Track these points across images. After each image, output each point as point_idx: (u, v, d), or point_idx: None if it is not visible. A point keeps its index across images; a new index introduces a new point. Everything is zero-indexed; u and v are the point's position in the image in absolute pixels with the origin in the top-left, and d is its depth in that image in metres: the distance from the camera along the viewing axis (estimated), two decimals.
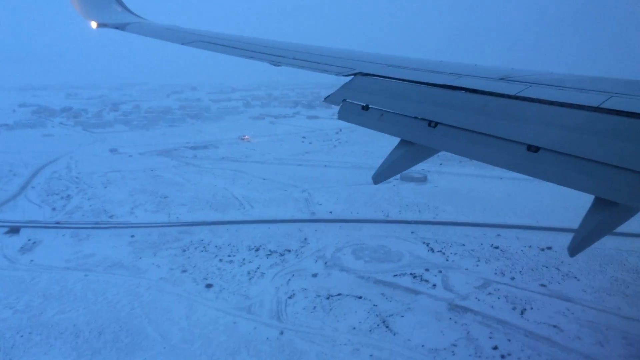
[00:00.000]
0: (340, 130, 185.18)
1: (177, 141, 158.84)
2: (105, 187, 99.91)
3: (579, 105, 7.99)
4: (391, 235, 72.77)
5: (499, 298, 54.64)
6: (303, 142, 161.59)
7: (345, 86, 12.59)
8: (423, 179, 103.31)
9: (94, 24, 22.43)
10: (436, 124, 9.54)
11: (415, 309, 53.08)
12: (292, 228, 75.61)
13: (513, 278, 59.00)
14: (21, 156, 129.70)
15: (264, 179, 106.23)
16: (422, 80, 11.11)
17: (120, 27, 22.08)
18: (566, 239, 67.75)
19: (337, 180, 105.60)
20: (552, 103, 8.36)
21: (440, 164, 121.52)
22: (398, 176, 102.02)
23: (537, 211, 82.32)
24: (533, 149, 7.80)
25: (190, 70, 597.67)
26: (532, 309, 52.35)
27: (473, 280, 58.78)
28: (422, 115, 10.07)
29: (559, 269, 61.12)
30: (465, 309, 52.51)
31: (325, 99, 12.85)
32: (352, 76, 12.83)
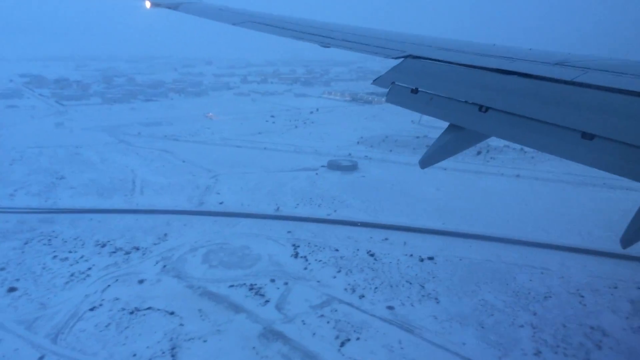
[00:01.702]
0: (317, 109, 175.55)
1: (137, 116, 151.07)
2: (10, 165, 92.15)
3: (638, 92, 7.45)
4: (265, 233, 62.85)
5: (328, 322, 44.54)
6: (267, 121, 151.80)
7: (394, 69, 11.74)
8: (352, 168, 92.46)
9: (147, 4, 22.20)
10: (487, 108, 8.94)
11: (224, 332, 43.47)
12: (161, 220, 66.35)
13: (362, 296, 48.65)
14: None
15: (184, 161, 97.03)
16: (473, 64, 10.36)
17: (173, 7, 21.78)
18: (461, 246, 56.78)
19: (263, 165, 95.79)
20: (609, 89, 7.79)
21: (390, 151, 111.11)
22: (325, 163, 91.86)
23: (452, 212, 71.45)
24: (588, 136, 7.33)
25: (224, 45, 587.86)
26: (358, 339, 42.16)
27: (316, 296, 48.72)
28: (472, 99, 9.41)
29: (423, 287, 50.45)
30: (280, 336, 42.66)
31: (374, 81, 12.34)
32: (402, 59, 12.01)
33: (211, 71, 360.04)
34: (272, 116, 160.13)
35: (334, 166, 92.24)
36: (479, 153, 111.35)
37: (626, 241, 7.83)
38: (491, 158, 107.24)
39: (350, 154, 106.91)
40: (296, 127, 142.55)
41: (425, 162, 10.27)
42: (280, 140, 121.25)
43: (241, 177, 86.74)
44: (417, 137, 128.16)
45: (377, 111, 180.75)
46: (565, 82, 8.40)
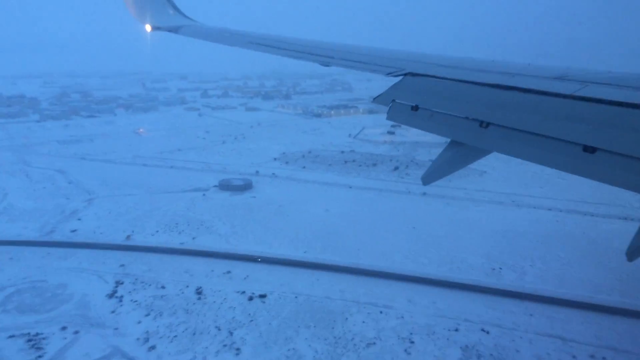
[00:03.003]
0: (259, 124, 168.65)
1: (62, 134, 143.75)
2: None
3: (638, 104, 7.43)
4: (94, 268, 55.06)
5: None
6: (198, 137, 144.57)
7: (394, 86, 11.67)
8: (244, 188, 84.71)
9: (148, 27, 22.03)
10: (488, 124, 8.85)
11: None
12: None
13: (152, 348, 40.93)
14: None
15: (70, 183, 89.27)
16: (473, 80, 10.28)
17: (173, 30, 21.69)
18: (307, 279, 48.90)
19: (153, 185, 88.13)
20: (610, 102, 7.75)
21: (304, 167, 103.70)
22: (217, 183, 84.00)
23: (326, 238, 64.53)
24: (589, 149, 7.26)
25: (211, 60, 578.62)
26: None
27: (99, 349, 40.89)
28: (473, 115, 9.30)
29: (231, 334, 42.98)
30: None
31: (374, 99, 11.77)
32: (402, 76, 11.85)
33: (179, 86, 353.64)
34: (207, 131, 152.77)
35: (224, 186, 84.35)
36: (396, 168, 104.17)
37: (631, 254, 7.08)
38: (406, 174, 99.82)
39: (257, 172, 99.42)
40: (224, 142, 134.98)
41: (428, 179, 9.85)
42: (196, 158, 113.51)
43: (118, 200, 78.70)
44: (342, 152, 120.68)
45: (321, 124, 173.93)
46: (565, 96, 8.25)
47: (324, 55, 15.60)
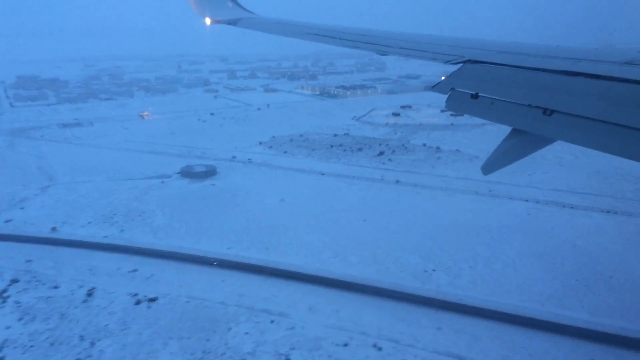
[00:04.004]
0: (268, 106, 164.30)
1: (68, 116, 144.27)
2: None
3: None
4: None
5: None
6: (200, 119, 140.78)
7: (453, 74, 11.08)
8: (205, 175, 79.94)
9: (208, 21, 22.18)
10: (552, 112, 8.37)
11: None
12: None
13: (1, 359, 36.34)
14: None
15: (39, 169, 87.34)
16: (536, 66, 9.56)
17: (232, 22, 21.93)
18: (214, 280, 44.02)
19: (118, 171, 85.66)
20: None
21: (285, 152, 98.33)
22: (178, 170, 79.68)
23: (263, 232, 58.81)
24: None
25: (259, 42, 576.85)
26: None
27: None
28: (536, 103, 8.77)
29: (93, 345, 38.25)
30: None
31: (432, 87, 11.14)
32: (461, 64, 11.30)
33: (212, 67, 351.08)
34: (212, 114, 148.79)
35: (186, 173, 79.87)
36: (380, 154, 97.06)
37: (486, 169, 8.08)
38: (388, 160, 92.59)
39: (234, 157, 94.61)
40: (221, 125, 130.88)
41: (487, 168, 9.30)
42: (183, 142, 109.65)
43: (74, 187, 75.62)
44: (335, 135, 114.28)
45: (333, 106, 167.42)
46: (636, 82, 7.53)
47: (381, 45, 14.94)
